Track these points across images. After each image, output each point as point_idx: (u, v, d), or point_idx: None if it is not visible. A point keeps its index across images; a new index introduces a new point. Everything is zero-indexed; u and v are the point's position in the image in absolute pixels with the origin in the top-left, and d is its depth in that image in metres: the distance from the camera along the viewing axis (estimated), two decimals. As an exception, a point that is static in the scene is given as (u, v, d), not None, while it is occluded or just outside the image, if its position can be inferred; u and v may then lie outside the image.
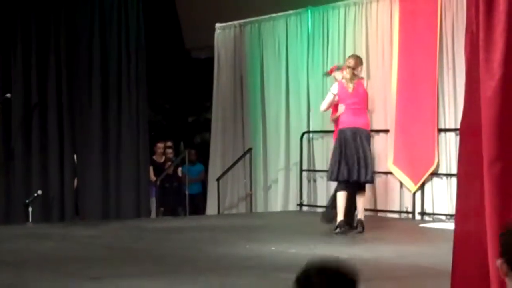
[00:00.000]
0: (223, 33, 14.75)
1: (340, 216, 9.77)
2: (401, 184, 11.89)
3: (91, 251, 9.02)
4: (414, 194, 11.68)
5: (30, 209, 12.54)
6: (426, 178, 11.58)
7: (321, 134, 13.11)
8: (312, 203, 13.22)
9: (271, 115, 13.87)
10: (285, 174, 13.59)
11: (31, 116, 13.00)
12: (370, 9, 12.43)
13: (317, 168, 13.21)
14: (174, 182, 15.27)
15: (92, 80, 13.29)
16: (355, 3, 12.63)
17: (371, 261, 7.82)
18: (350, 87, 9.94)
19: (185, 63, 17.95)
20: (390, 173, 11.88)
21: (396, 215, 11.95)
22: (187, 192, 14.48)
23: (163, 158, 15.43)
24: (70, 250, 9.15)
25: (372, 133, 10.35)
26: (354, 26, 12.63)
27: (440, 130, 11.49)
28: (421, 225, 11.08)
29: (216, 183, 14.11)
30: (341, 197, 9.84)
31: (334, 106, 10.29)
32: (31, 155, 12.92)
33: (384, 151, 11.80)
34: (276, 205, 13.68)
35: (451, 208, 10.99)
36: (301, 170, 13.24)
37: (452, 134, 11.26)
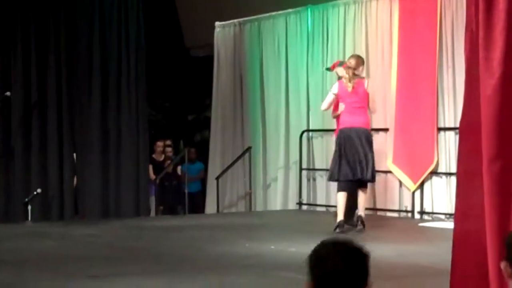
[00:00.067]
0: (222, 31, 14.74)
1: (340, 216, 9.78)
2: (401, 183, 11.89)
3: (90, 250, 9.02)
4: (413, 193, 11.68)
5: (29, 207, 12.54)
6: (425, 177, 11.58)
7: (320, 132, 13.11)
8: (311, 202, 13.22)
9: (271, 113, 13.87)
10: (284, 173, 13.59)
11: (30, 115, 13.00)
12: (369, 7, 12.43)
13: (316, 166, 13.21)
14: (174, 180, 15.27)
15: (92, 79, 13.29)
16: (354, 2, 12.63)
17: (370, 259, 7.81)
18: (350, 86, 9.95)
19: (185, 62, 17.94)
20: (390, 172, 11.88)
21: (395, 214, 11.95)
22: (186, 191, 14.48)
23: (163, 156, 15.43)
24: (70, 249, 9.15)
25: (372, 132, 10.34)
26: (353, 24, 12.63)
27: (439, 129, 11.49)
28: (421, 224, 11.08)
29: (215, 181, 14.11)
30: (341, 197, 9.86)
31: (334, 108, 10.31)
32: (31, 154, 12.93)
33: (383, 150, 11.80)
34: (276, 204, 13.68)
35: (450, 207, 10.99)
36: (301, 169, 13.24)
37: (452, 133, 11.26)
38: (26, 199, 12.61)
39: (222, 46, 14.71)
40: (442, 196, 11.47)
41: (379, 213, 12.03)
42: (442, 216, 11.32)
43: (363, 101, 9.95)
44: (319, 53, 13.13)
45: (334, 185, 10.61)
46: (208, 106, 15.90)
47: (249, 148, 14.10)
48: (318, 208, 13.04)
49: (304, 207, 13.22)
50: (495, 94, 4.01)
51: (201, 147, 16.70)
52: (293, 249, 8.62)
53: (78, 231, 10.75)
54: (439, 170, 11.50)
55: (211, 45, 14.86)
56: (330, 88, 10.44)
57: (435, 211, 11.52)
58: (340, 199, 9.87)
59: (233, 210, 14.33)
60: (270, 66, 13.90)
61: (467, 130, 4.21)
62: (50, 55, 13.03)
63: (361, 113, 9.93)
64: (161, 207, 14.82)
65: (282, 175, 13.60)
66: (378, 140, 11.89)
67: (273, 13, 13.84)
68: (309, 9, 13.34)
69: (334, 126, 11.13)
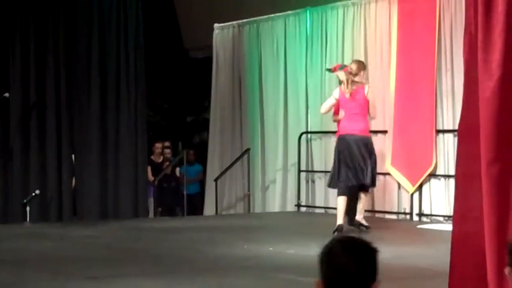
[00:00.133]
0: (221, 33, 14.75)
1: (339, 220, 9.80)
2: (399, 185, 11.90)
3: (89, 251, 9.02)
4: (412, 195, 11.69)
5: (28, 208, 12.54)
6: (424, 179, 11.58)
7: (319, 134, 13.12)
8: (310, 203, 13.22)
9: (269, 115, 13.87)
10: (283, 175, 13.59)
11: (29, 116, 13.00)
12: (368, 9, 12.44)
13: (315, 168, 13.21)
14: (172, 182, 15.26)
15: (91, 79, 13.29)
16: (353, 4, 12.64)
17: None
18: (347, 92, 9.97)
19: (184, 63, 17.94)
20: (388, 174, 11.89)
21: (394, 216, 11.95)
22: (185, 192, 14.47)
23: (161, 158, 15.43)
24: (68, 250, 9.15)
25: (371, 134, 10.34)
26: (352, 26, 12.63)
27: (438, 131, 11.50)
28: (419, 226, 11.08)
29: (214, 183, 14.11)
30: (341, 201, 9.89)
31: (335, 112, 10.33)
32: (29, 155, 12.92)
33: (382, 152, 11.80)
34: (274, 206, 13.67)
35: (449, 209, 10.99)
36: (299, 171, 13.24)
37: (450, 135, 11.27)
38: (25, 200, 12.61)
39: (221, 48, 14.72)
40: (440, 198, 11.47)
41: (377, 215, 12.03)
42: (441, 218, 11.32)
43: (362, 108, 9.94)
44: (318, 55, 13.14)
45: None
46: (207, 108, 15.90)
47: (247, 150, 14.11)
48: (317, 210, 13.04)
49: (303, 209, 13.22)
50: (494, 96, 4.01)
51: (199, 148, 16.69)
52: (291, 251, 8.63)
53: (76, 232, 10.74)
54: (438, 172, 11.51)
55: (210, 47, 14.87)
56: (333, 92, 10.43)
57: (433, 213, 11.52)
58: (340, 203, 9.90)
59: (232, 212, 14.33)
60: (269, 68, 13.90)
61: (466, 133, 4.21)
62: (49, 55, 13.03)
63: (360, 119, 9.93)
64: (160, 209, 14.81)
65: (281, 177, 13.60)
66: (376, 142, 11.88)
67: (272, 15, 13.85)
68: (308, 11, 13.35)
69: (333, 128, 11.15)
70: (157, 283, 6.99)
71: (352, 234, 3.05)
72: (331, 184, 10.20)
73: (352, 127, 9.87)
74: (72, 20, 13.23)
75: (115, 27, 13.48)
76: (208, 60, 15.19)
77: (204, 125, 16.86)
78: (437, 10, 11.49)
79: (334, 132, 11.47)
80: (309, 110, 13.31)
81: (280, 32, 13.73)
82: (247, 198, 14.16)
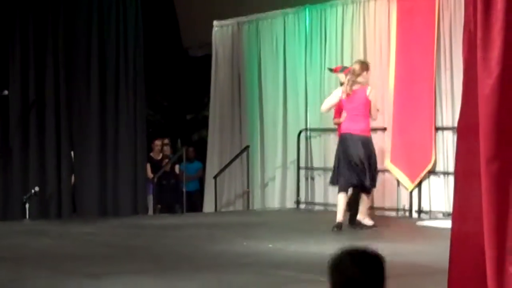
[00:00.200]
0: (221, 30, 14.75)
1: (338, 217, 9.82)
2: (398, 182, 11.91)
3: (88, 248, 9.03)
4: (411, 192, 11.70)
5: (27, 206, 12.53)
6: (423, 176, 11.59)
7: (318, 132, 13.12)
8: (309, 200, 13.23)
9: (269, 112, 13.87)
10: (282, 172, 13.60)
11: (28, 113, 12.99)
12: (368, 7, 12.44)
13: (314, 165, 13.22)
14: (171, 179, 15.26)
15: (90, 77, 13.28)
16: (352, 2, 12.64)
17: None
18: (344, 93, 9.99)
19: (183, 61, 17.94)
20: (387, 171, 11.90)
21: (393, 213, 11.96)
22: (184, 190, 14.48)
23: (161, 155, 15.43)
24: (68, 247, 9.16)
25: (370, 132, 10.34)
26: (351, 24, 12.64)
27: (437, 129, 11.51)
28: (418, 223, 11.09)
29: (213, 180, 14.12)
30: (341, 198, 9.92)
31: (336, 111, 10.34)
32: (29, 152, 12.92)
33: (381, 149, 11.81)
34: (273, 203, 13.69)
35: (448, 206, 11.01)
36: (299, 168, 13.24)
37: (450, 132, 11.28)
38: (24, 198, 12.60)
39: (220, 46, 14.72)
40: (439, 195, 11.48)
41: (377, 212, 12.02)
42: (440, 215, 11.33)
43: (363, 108, 9.94)
44: (317, 52, 13.14)
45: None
46: (206, 105, 15.91)
47: (247, 147, 14.11)
48: (316, 207, 13.05)
49: (302, 206, 13.23)
50: (493, 94, 4.01)
51: (199, 146, 16.70)
52: (291, 248, 8.64)
53: (76, 229, 10.75)
54: (437, 170, 11.52)
55: (209, 45, 14.87)
56: (331, 89, 10.46)
57: (432, 210, 11.53)
58: (340, 200, 9.93)
59: (231, 209, 14.34)
60: (268, 65, 13.91)
61: (465, 130, 4.22)
62: (48, 54, 13.01)
63: (360, 120, 9.94)
64: (159, 206, 14.81)
65: (280, 174, 13.61)
66: (376, 139, 11.88)
67: (271, 13, 13.85)
68: (307, 9, 13.35)
69: (332, 126, 11.16)
70: (157, 280, 7.00)
71: (361, 244, 3.08)
72: (332, 181, 10.24)
73: (353, 127, 9.90)
74: (71, 19, 13.22)
75: (115, 26, 13.47)
76: (208, 58, 15.19)
77: (203, 123, 16.86)
78: (436, 8, 11.50)
79: (333, 130, 11.51)
80: (308, 108, 13.31)
81: (280, 30, 13.73)
82: (247, 195, 14.17)
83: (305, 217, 12.26)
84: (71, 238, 9.95)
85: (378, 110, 10.33)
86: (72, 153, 13.31)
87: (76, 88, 13.23)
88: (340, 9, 12.83)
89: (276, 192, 13.65)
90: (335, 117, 10.57)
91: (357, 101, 9.95)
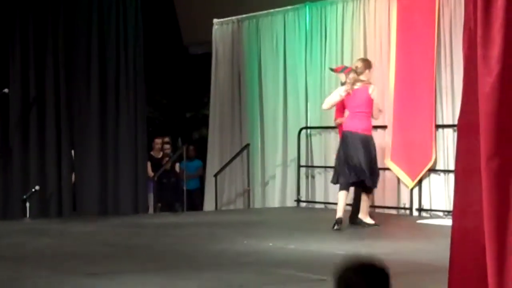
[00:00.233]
0: (221, 28, 14.74)
1: (339, 214, 9.82)
2: (399, 180, 11.90)
3: (88, 247, 9.02)
4: (411, 190, 11.69)
5: (27, 204, 12.53)
6: (423, 174, 11.58)
7: (319, 130, 13.12)
8: (310, 199, 13.22)
9: (269, 110, 13.87)
10: (282, 170, 13.59)
11: (29, 112, 12.99)
12: (368, 5, 12.44)
13: (315, 164, 13.21)
14: (172, 177, 15.27)
15: (90, 76, 13.29)
16: (353, -1, 12.65)
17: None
18: (344, 91, 9.98)
19: (183, 59, 17.95)
20: (388, 169, 11.89)
21: (393, 211, 11.96)
22: (184, 188, 14.48)
23: (161, 153, 15.43)
24: (68, 246, 9.15)
25: (372, 133, 10.32)
26: (352, 22, 12.63)
27: (437, 126, 11.50)
28: (419, 221, 11.09)
29: (213, 178, 14.11)
30: (341, 195, 9.92)
31: (337, 109, 10.34)
32: (29, 151, 12.92)
33: (381, 147, 11.80)
34: (274, 201, 13.68)
35: (448, 205, 11.00)
36: (299, 166, 13.24)
37: (450, 130, 11.27)
38: (25, 196, 12.60)
39: (220, 43, 14.71)
40: (440, 193, 11.48)
41: (377, 210, 12.02)
42: (440, 213, 11.33)
43: (364, 107, 9.92)
44: (317, 50, 13.13)
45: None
46: (206, 104, 15.91)
47: (247, 145, 14.11)
48: (317, 206, 13.05)
49: (303, 205, 13.22)
50: (493, 92, 4.01)
51: (199, 144, 16.70)
52: (291, 246, 8.64)
53: (76, 228, 10.75)
54: (437, 168, 11.51)
55: (209, 42, 14.86)
56: (332, 87, 10.46)
57: (433, 208, 11.53)
58: (340, 197, 9.93)
59: (232, 207, 14.33)
60: (268, 63, 13.90)
61: (466, 128, 4.21)
62: (48, 54, 13.01)
63: (362, 118, 9.92)
64: (159, 204, 14.81)
65: (280, 172, 13.61)
66: (376, 137, 11.87)
67: (271, 10, 13.84)
68: (307, 6, 13.34)
69: (333, 124, 11.15)
70: (157, 279, 7.00)
71: (367, 256, 3.12)
72: (333, 180, 10.25)
73: (354, 126, 9.89)
74: (71, 18, 13.21)
75: (115, 25, 13.46)
76: (208, 56, 15.18)
77: (203, 121, 16.86)
78: (437, 6, 11.49)
79: (333, 127, 11.51)
80: (308, 105, 13.30)
81: (280, 27, 13.72)
82: (247, 193, 14.16)
83: (306, 216, 12.25)
84: (71, 237, 9.95)
85: (381, 111, 10.32)
86: (72, 152, 13.32)
87: (76, 88, 13.24)
88: (340, 6, 12.82)
89: (277, 190, 13.64)
90: (336, 118, 10.57)
91: (359, 100, 9.93)
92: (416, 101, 11.63)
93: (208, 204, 14.49)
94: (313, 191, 13.22)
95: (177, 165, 15.48)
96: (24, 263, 7.91)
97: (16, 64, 12.92)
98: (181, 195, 14.64)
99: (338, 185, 10.26)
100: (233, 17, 14.47)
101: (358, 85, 9.97)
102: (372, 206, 11.99)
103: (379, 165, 11.51)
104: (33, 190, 12.68)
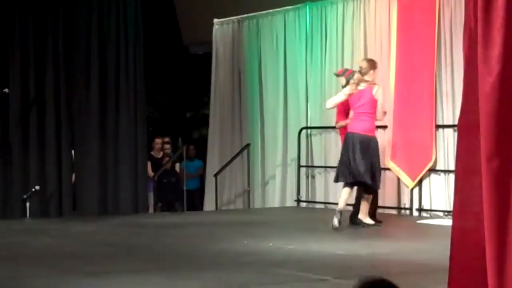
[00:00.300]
0: (221, 28, 14.74)
1: (340, 205, 9.81)
2: (399, 180, 11.90)
3: (88, 247, 9.02)
4: (411, 190, 11.69)
5: (28, 204, 12.54)
6: (423, 175, 11.58)
7: (319, 130, 13.11)
8: (310, 199, 13.22)
9: (269, 110, 13.87)
10: (282, 170, 13.59)
11: (29, 112, 12.99)
12: (368, 4, 12.44)
13: (315, 164, 13.21)
14: (172, 177, 15.27)
15: (90, 75, 13.28)
16: (353, -1, 12.65)
17: (367, 257, 7.83)
18: (349, 90, 9.97)
19: (183, 59, 17.95)
20: (388, 169, 11.88)
21: (393, 211, 11.95)
22: (185, 188, 14.48)
23: (161, 153, 15.44)
24: (68, 246, 9.15)
25: (375, 134, 10.30)
26: (352, 21, 12.63)
27: (438, 126, 11.49)
28: (419, 221, 11.08)
29: (214, 178, 14.11)
30: (345, 191, 9.91)
31: (338, 112, 10.33)
32: (29, 151, 12.92)
33: (382, 147, 11.79)
34: (274, 201, 13.68)
35: (448, 205, 11.00)
36: (299, 166, 13.23)
37: (450, 130, 11.27)
38: (25, 196, 12.61)
39: (220, 43, 14.71)
40: (440, 193, 11.47)
41: (377, 210, 12.01)
42: (441, 214, 11.32)
43: (368, 108, 9.89)
44: (317, 50, 13.13)
45: (332, 182, 10.70)
46: (207, 103, 15.91)
47: (247, 145, 14.10)
48: (317, 206, 13.05)
49: (303, 204, 13.22)
50: (494, 92, 4.00)
51: (199, 144, 16.70)
52: (291, 246, 8.63)
53: (76, 228, 10.75)
54: (438, 168, 11.51)
55: (209, 42, 14.86)
56: (333, 87, 10.45)
57: (433, 208, 11.52)
58: (343, 192, 9.94)
59: (232, 207, 14.33)
60: (268, 63, 13.90)
61: (466, 128, 4.20)
62: (48, 54, 13.01)
63: (365, 119, 9.90)
64: (160, 204, 14.82)
65: (281, 172, 13.60)
66: (376, 137, 11.90)
67: (272, 10, 13.84)
68: (307, 6, 13.34)
69: (333, 124, 11.15)
70: (157, 279, 6.99)
71: (378, 276, 3.17)
72: (334, 179, 10.27)
73: (356, 127, 9.88)
74: (71, 17, 13.21)
75: (115, 23, 13.46)
76: (208, 56, 15.19)
77: (203, 121, 16.86)
78: (437, 5, 11.48)
79: (334, 127, 11.50)
80: (309, 105, 13.30)
81: (280, 27, 13.72)
82: (247, 193, 14.16)
83: (306, 216, 12.25)
84: (71, 236, 9.94)
85: (385, 112, 10.30)
86: (72, 152, 13.32)
87: (76, 88, 13.23)
88: (340, 6, 12.83)
89: (277, 190, 13.64)
90: (337, 121, 10.56)
91: (362, 100, 9.91)
92: (416, 101, 11.62)
93: (208, 204, 14.49)
94: (313, 191, 13.22)
95: (177, 165, 15.48)
96: (23, 263, 7.90)
97: (16, 64, 12.91)
98: (181, 195, 14.64)
99: (339, 184, 10.28)
100: (233, 17, 14.47)
101: (362, 86, 9.94)
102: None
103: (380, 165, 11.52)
104: (33, 190, 12.68)
